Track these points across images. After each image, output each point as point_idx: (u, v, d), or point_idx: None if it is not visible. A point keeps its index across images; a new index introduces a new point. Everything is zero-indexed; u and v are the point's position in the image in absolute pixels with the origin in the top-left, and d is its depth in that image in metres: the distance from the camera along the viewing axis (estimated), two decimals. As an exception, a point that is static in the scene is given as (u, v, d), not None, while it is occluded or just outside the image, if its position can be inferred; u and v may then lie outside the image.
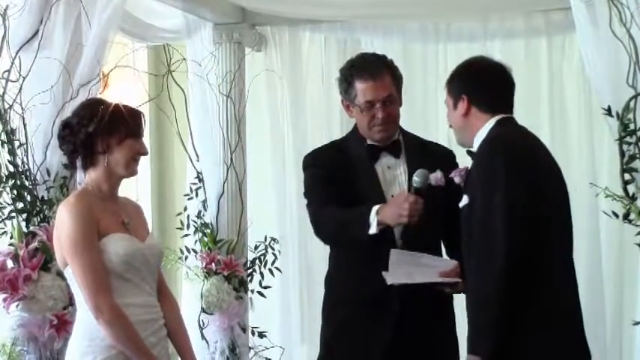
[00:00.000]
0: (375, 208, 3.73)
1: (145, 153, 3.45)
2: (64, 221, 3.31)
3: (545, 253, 3.28)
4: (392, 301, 3.80)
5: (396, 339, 3.81)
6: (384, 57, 3.99)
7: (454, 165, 3.86)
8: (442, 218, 3.81)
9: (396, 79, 3.94)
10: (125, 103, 3.46)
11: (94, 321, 3.27)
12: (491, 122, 3.44)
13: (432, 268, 3.73)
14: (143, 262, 3.40)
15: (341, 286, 3.97)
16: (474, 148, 3.47)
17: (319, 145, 4.27)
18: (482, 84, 3.51)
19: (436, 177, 3.70)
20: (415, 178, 3.69)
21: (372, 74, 3.86)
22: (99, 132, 3.33)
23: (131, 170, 3.42)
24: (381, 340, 3.82)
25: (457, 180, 3.59)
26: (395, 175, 3.92)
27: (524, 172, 3.27)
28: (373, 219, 3.72)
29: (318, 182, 3.98)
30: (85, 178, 3.39)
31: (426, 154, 3.91)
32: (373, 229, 3.72)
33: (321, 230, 3.98)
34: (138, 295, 3.37)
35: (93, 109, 3.37)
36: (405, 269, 3.70)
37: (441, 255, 3.93)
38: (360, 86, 3.87)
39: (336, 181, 3.90)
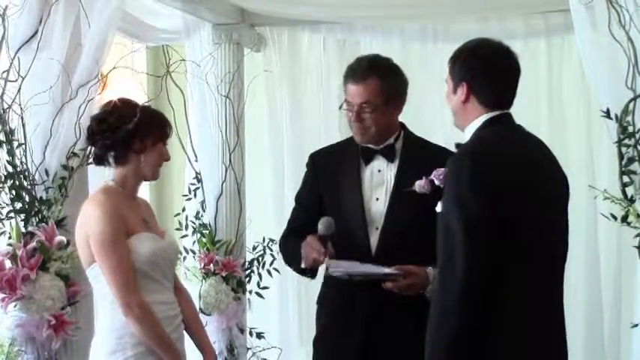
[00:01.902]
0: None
1: (168, 159, 3.57)
2: (92, 219, 3.38)
3: (513, 272, 3.05)
4: (361, 305, 3.81)
5: (367, 343, 3.81)
6: (381, 62, 3.87)
7: None
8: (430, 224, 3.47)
9: (388, 86, 3.82)
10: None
11: (123, 318, 3.35)
12: (483, 118, 3.23)
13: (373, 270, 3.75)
14: (165, 259, 3.50)
15: (327, 287, 4.01)
16: (464, 140, 3.28)
17: (320, 146, 4.31)
18: (486, 75, 3.26)
19: (419, 184, 3.66)
20: (319, 225, 3.75)
21: (354, 77, 3.83)
22: (138, 131, 3.43)
23: (156, 174, 3.54)
24: (353, 344, 3.83)
25: (437, 182, 3.48)
26: (384, 179, 3.87)
27: (491, 178, 3.06)
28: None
29: (300, 196, 4.09)
30: (112, 176, 3.50)
31: (424, 160, 3.74)
32: (304, 264, 3.85)
33: (282, 256, 4.21)
34: (161, 293, 3.47)
35: (131, 108, 3.46)
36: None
37: (431, 263, 3.57)
38: (347, 86, 3.89)
39: (321, 188, 3.97)
